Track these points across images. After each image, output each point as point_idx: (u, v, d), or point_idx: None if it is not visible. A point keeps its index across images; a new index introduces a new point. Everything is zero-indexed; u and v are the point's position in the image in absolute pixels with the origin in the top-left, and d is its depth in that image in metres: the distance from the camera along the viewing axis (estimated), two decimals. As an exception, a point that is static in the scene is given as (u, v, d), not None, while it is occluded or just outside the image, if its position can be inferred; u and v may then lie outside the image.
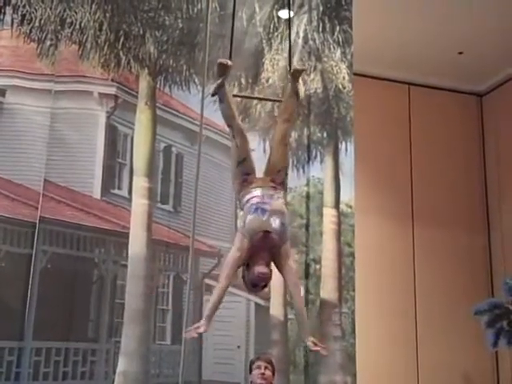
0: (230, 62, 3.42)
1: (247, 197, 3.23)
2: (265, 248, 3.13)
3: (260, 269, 3.10)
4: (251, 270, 3.12)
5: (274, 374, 4.72)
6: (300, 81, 3.63)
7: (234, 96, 3.78)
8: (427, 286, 7.20)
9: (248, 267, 3.16)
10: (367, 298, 6.66)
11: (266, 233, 3.11)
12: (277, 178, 3.30)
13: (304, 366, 6.34)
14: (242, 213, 3.27)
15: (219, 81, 3.36)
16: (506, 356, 6.92)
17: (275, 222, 3.13)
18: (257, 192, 3.23)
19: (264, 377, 4.62)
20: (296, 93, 3.50)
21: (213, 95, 3.41)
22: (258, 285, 3.18)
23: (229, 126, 3.36)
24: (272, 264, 3.22)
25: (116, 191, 6.53)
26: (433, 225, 7.43)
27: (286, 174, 3.38)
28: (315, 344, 3.19)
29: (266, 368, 4.66)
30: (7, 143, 5.95)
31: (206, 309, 3.19)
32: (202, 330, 3.07)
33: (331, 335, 6.52)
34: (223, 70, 3.38)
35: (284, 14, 6.66)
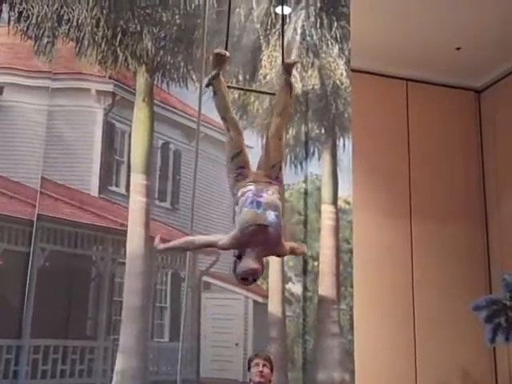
0: (227, 53, 3.34)
1: (242, 190, 3.13)
2: (259, 242, 3.00)
3: (251, 264, 2.99)
4: (243, 264, 3.01)
5: (272, 371, 4.73)
6: (295, 74, 3.59)
7: (229, 88, 3.73)
8: (425, 282, 7.19)
9: (240, 260, 3.05)
10: (365, 294, 6.66)
11: (261, 226, 3.00)
12: (271, 172, 3.22)
13: (302, 363, 6.35)
14: (236, 207, 3.16)
15: (214, 72, 3.27)
16: (504, 352, 6.93)
17: (270, 216, 3.01)
18: (252, 186, 3.14)
19: (262, 374, 4.64)
20: (289, 86, 3.42)
21: (207, 86, 3.32)
22: (247, 279, 3.06)
23: (223, 118, 3.27)
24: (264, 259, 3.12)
25: (114, 188, 6.53)
26: (431, 221, 7.42)
27: (281, 169, 3.28)
28: None
29: (264, 366, 4.67)
30: (4, 141, 5.94)
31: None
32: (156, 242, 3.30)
33: (329, 332, 6.53)
34: (220, 60, 3.30)
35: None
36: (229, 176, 3.27)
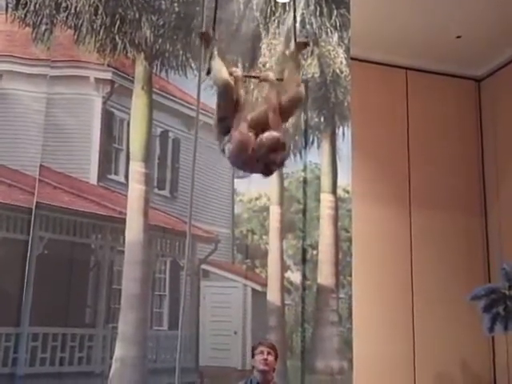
0: (208, 31, 3.41)
1: None
2: None
3: None
4: None
5: (276, 359, 4.70)
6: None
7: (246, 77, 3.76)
8: (424, 271, 7.19)
9: None
10: (364, 283, 6.65)
11: None
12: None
13: (301, 352, 6.36)
14: None
15: (210, 53, 3.34)
16: (503, 341, 6.92)
17: None
18: None
19: (267, 362, 4.59)
20: (299, 65, 3.52)
21: (208, 74, 3.38)
22: None
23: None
24: None
25: (112, 177, 6.52)
26: (430, 209, 7.41)
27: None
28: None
29: (268, 353, 4.63)
30: (3, 129, 5.94)
31: None
32: None
33: (328, 320, 6.55)
34: (206, 40, 3.40)
35: (281, -2, 6.62)
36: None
